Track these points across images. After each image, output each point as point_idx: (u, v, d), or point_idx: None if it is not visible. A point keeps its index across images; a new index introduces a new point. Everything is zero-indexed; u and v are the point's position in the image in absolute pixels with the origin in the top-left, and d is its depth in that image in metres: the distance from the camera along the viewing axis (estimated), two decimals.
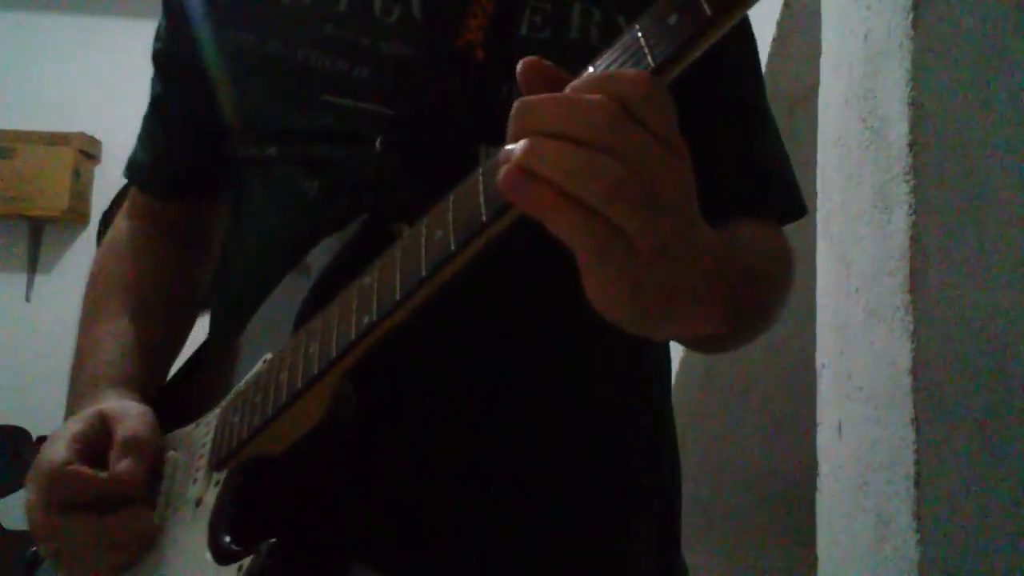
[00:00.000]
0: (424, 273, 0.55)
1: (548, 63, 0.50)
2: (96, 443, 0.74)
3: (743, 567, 2.33)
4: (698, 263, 0.50)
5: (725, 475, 2.36)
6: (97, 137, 3.89)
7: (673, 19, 0.46)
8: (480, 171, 0.54)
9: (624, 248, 0.46)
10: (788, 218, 0.87)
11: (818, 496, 1.65)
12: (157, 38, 0.92)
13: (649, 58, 0.47)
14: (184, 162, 0.93)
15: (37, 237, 3.96)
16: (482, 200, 0.52)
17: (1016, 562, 0.98)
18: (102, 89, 3.79)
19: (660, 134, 0.46)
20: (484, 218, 0.52)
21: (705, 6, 0.45)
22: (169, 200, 0.96)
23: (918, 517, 1.05)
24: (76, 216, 3.86)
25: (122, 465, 0.71)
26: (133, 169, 0.97)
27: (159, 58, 0.93)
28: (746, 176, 0.81)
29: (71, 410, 0.82)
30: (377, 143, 0.74)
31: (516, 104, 0.48)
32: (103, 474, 0.71)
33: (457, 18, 0.75)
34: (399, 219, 0.71)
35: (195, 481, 0.73)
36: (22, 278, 3.94)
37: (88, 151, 3.89)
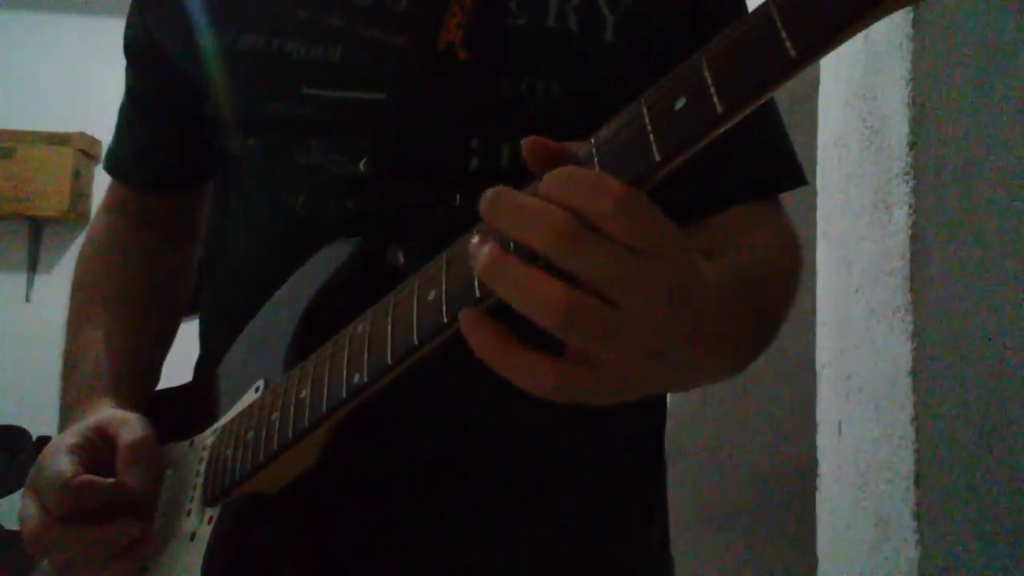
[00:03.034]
0: (416, 342, 0.53)
1: (546, 142, 0.48)
2: (95, 455, 0.72)
3: (743, 567, 2.33)
4: (703, 345, 0.48)
5: (725, 475, 2.36)
6: (97, 137, 3.89)
7: (680, 103, 0.43)
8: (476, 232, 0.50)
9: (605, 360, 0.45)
10: (788, 188, 0.82)
11: (818, 496, 1.65)
12: (128, 26, 0.88)
13: (654, 148, 0.44)
14: (165, 154, 0.91)
15: (37, 237, 3.96)
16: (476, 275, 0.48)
17: (1016, 562, 0.98)
18: (102, 89, 3.76)
19: (632, 246, 0.43)
20: (477, 293, 0.49)
21: (716, 101, 0.42)
22: (151, 193, 0.94)
23: (918, 517, 1.05)
24: (76, 216, 3.86)
25: (133, 471, 0.70)
26: (112, 162, 0.94)
27: (131, 48, 0.89)
28: (745, 159, 0.76)
29: (63, 419, 0.80)
30: (362, 165, 0.72)
31: (490, 193, 0.46)
32: (111, 480, 0.70)
33: (436, 14, 0.73)
34: (392, 241, 0.71)
35: (189, 513, 0.72)
36: (22, 278, 3.94)
37: (88, 151, 3.88)
